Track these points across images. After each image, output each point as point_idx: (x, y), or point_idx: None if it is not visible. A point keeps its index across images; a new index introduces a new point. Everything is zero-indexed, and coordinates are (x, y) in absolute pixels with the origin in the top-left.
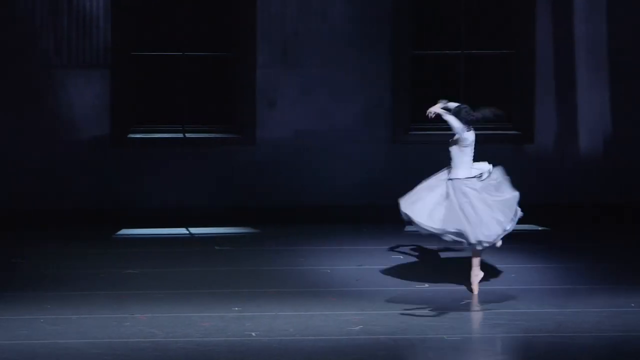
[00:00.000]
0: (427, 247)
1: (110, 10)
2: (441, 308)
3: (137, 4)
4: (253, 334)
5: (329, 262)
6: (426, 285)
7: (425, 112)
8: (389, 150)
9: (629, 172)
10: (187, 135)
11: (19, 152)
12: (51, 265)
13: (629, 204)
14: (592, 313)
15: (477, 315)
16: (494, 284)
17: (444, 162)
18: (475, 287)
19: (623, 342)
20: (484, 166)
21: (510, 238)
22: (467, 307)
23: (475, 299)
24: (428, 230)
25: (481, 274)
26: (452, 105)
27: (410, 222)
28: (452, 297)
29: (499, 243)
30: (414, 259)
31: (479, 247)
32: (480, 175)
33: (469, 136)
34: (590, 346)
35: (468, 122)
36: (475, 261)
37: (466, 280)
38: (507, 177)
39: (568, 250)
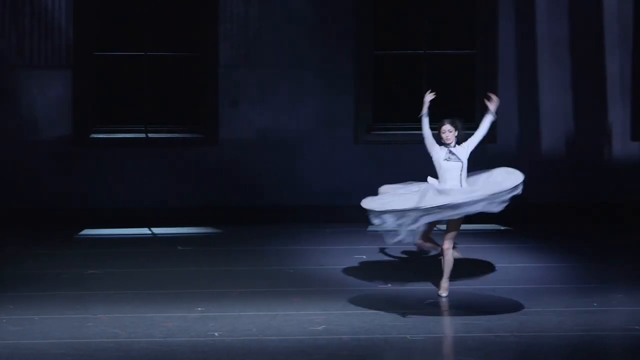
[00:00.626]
0: (390, 247)
1: (72, 10)
2: (404, 308)
3: (99, 4)
4: (216, 334)
5: (291, 262)
6: (389, 285)
7: (389, 113)
8: (351, 150)
9: (590, 171)
10: (150, 135)
11: None
12: (13, 266)
13: (591, 202)
14: (554, 313)
15: (439, 315)
16: (457, 284)
17: (406, 161)
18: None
19: (585, 342)
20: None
21: (473, 237)
22: (430, 307)
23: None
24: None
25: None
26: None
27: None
28: (415, 297)
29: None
30: (376, 259)
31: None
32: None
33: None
34: (552, 346)
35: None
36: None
37: (429, 280)
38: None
39: (530, 249)
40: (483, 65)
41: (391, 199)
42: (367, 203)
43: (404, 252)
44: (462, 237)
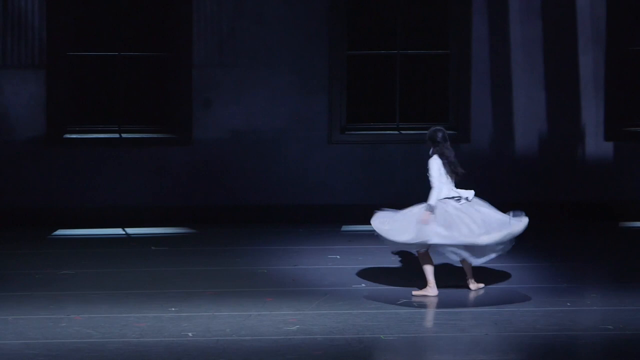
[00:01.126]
0: (365, 247)
1: (45, 10)
2: (377, 308)
3: (73, 4)
4: (190, 334)
5: (265, 262)
6: (363, 285)
7: (363, 113)
8: (325, 150)
9: (564, 170)
10: (124, 135)
11: None
12: None
13: (564, 202)
14: (528, 312)
15: (413, 315)
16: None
17: (380, 161)
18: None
19: (558, 341)
20: (465, 192)
21: None
22: (403, 307)
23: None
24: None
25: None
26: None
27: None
28: (388, 297)
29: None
30: (350, 259)
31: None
32: (459, 199)
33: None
34: (526, 345)
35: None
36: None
37: (403, 280)
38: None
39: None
40: (456, 65)
41: (401, 227)
42: (378, 225)
43: (378, 252)
44: None
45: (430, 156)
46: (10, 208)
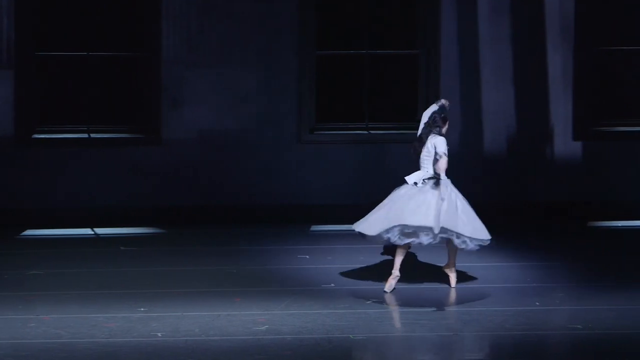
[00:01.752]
0: (334, 247)
1: (13, 10)
2: (347, 308)
3: (41, 3)
4: (159, 334)
5: (234, 262)
6: (332, 285)
7: (332, 112)
8: (294, 149)
9: (532, 170)
10: (92, 135)
11: None
12: None
13: (532, 202)
14: (497, 312)
15: (382, 315)
16: (399, 283)
17: (349, 161)
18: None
19: (526, 340)
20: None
21: None
22: (372, 307)
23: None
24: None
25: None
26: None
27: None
28: (357, 297)
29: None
30: (319, 259)
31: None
32: (415, 183)
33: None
34: (495, 344)
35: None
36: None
37: (371, 280)
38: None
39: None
40: (425, 64)
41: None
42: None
43: (347, 252)
44: None
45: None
46: None
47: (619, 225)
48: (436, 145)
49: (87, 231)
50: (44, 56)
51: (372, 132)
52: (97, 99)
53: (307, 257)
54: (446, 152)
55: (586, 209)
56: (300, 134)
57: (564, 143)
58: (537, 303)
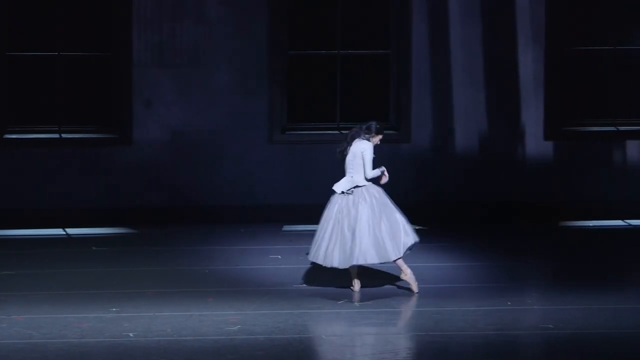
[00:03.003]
0: (306, 247)
1: None
2: (319, 307)
3: (11, 3)
4: (131, 334)
5: (207, 263)
6: (304, 285)
7: (303, 113)
8: (266, 150)
9: (504, 170)
10: (64, 135)
11: None
12: None
13: (504, 202)
14: (469, 312)
15: (354, 314)
16: (373, 283)
17: (320, 161)
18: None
19: (498, 340)
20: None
21: None
22: (344, 307)
23: (355, 297)
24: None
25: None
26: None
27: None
28: (329, 297)
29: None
30: (292, 260)
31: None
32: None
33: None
34: (467, 344)
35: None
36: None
37: (342, 280)
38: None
39: (444, 249)
40: (396, 65)
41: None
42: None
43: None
44: None
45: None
46: None
47: (591, 225)
48: (363, 151)
49: (59, 231)
50: (15, 56)
51: (343, 132)
52: (69, 99)
53: (279, 257)
54: (371, 156)
55: (557, 208)
56: (272, 133)
57: (536, 143)
58: (509, 303)
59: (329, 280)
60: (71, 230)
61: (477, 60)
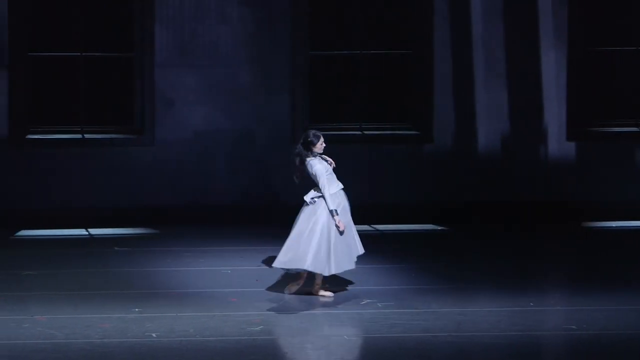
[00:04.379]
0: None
1: (7, 11)
2: (343, 308)
3: (35, 4)
4: (154, 334)
5: (229, 263)
6: (326, 286)
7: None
8: (288, 150)
9: (527, 170)
10: (86, 135)
11: None
12: None
13: (526, 202)
14: (491, 313)
15: (377, 315)
16: (392, 284)
17: (342, 161)
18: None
19: (521, 341)
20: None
21: (412, 238)
22: (367, 307)
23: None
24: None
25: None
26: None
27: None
28: (350, 298)
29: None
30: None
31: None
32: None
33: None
34: (489, 345)
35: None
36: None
37: (359, 283)
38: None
39: (468, 249)
40: (418, 65)
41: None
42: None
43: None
44: (396, 236)
45: (310, 157)
46: None
47: (613, 225)
48: (314, 175)
49: (81, 231)
50: (38, 57)
51: (365, 132)
52: (91, 99)
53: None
54: (323, 173)
55: (580, 209)
56: (294, 134)
57: (558, 143)
58: (532, 304)
59: (345, 283)
60: (93, 231)
61: (499, 60)
